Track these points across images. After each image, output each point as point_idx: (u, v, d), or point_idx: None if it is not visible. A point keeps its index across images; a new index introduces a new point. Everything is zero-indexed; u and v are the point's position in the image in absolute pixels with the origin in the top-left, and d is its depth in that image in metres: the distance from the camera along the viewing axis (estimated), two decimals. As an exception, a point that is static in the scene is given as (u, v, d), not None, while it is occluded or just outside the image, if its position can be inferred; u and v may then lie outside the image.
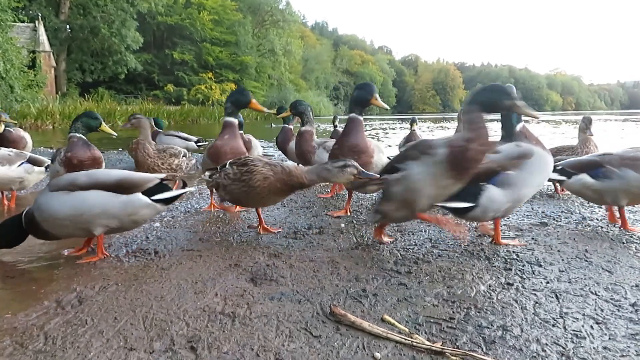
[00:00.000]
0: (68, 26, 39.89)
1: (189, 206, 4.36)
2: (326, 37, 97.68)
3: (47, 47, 35.19)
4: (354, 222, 3.73)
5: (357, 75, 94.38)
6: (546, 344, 1.79)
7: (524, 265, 2.68)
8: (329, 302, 2.16)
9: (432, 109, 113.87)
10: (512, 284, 2.40)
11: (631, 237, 3.25)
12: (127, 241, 3.19)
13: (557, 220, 3.75)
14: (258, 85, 55.20)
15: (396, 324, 1.95)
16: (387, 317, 2.00)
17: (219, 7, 50.77)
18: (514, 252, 2.93)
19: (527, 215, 3.94)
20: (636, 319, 1.99)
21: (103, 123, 4.04)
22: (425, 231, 3.43)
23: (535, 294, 2.27)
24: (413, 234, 3.37)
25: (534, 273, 2.56)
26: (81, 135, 3.91)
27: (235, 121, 4.04)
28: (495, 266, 2.68)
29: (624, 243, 3.11)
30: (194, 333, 1.87)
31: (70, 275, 2.53)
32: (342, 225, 3.61)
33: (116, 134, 4.23)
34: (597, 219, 3.79)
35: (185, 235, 3.33)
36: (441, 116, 57.41)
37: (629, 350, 1.74)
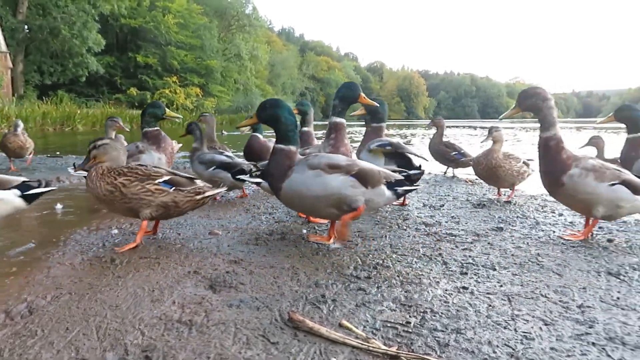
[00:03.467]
0: (26, 26, 38.58)
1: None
2: (293, 43, 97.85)
3: (4, 47, 33.99)
4: (316, 228, 3.74)
5: (323, 81, 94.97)
6: (497, 345, 1.84)
7: (479, 269, 2.75)
8: (288, 308, 2.16)
9: (397, 116, 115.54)
10: (467, 288, 2.46)
11: (581, 241, 3.39)
12: (83, 249, 3.11)
13: (512, 225, 3.87)
14: (224, 90, 54.75)
15: (354, 329, 1.97)
16: (344, 323, 2.02)
17: (184, 11, 50.10)
18: (470, 256, 3.00)
19: (484, 221, 4.04)
20: (582, 320, 2.07)
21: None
22: (386, 237, 3.48)
23: (489, 297, 2.34)
24: (374, 239, 3.41)
25: (488, 277, 2.63)
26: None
27: (344, 122, 3.93)
28: (451, 270, 2.74)
29: (574, 247, 3.24)
30: (149, 342, 1.84)
31: (21, 285, 2.44)
32: (304, 231, 3.62)
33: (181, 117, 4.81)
34: (550, 224, 3.93)
35: (144, 242, 3.27)
36: (406, 123, 58.21)
37: (574, 350, 1.81)
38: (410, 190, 3.34)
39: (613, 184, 3.24)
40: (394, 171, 3.32)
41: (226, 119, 47.23)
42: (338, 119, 3.95)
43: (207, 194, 3.30)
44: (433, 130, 7.65)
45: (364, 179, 3.02)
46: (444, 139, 7.42)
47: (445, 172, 7.62)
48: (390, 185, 3.14)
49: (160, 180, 3.15)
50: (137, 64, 46.79)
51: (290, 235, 3.48)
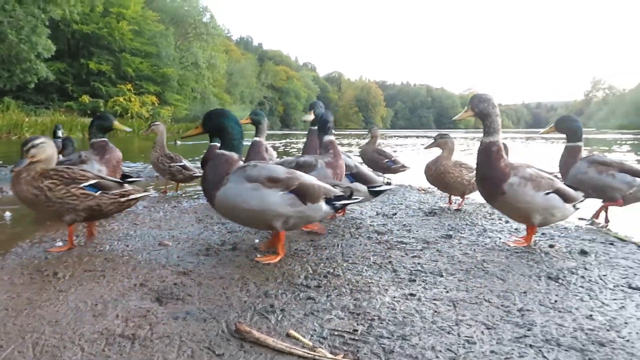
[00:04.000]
0: (-30, 30, 36.88)
1: (96, 224, 4.15)
2: (251, 52, 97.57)
3: (-55, 52, 32.32)
4: (269, 237, 3.73)
5: (282, 90, 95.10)
6: (440, 350, 1.89)
7: (427, 276, 2.81)
8: (236, 319, 2.15)
9: (355, 125, 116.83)
10: (415, 295, 2.51)
11: (524, 247, 3.52)
12: (23, 262, 2.99)
13: (461, 233, 3.97)
14: (180, 98, 53.92)
15: (301, 338, 1.97)
16: (292, 332, 2.02)
17: (139, 18, 49.10)
18: (419, 263, 3.06)
19: (434, 229, 4.14)
20: (521, 323, 2.15)
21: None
22: (338, 246, 3.50)
23: (435, 304, 2.39)
24: (326, 248, 3.43)
25: (435, 283, 2.69)
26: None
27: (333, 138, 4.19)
28: (400, 278, 2.79)
29: (517, 253, 3.36)
30: (88, 358, 1.78)
31: (-47, 302, 2.32)
32: (257, 241, 3.60)
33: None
34: (497, 231, 4.06)
35: (89, 255, 3.17)
36: (364, 132, 58.95)
37: (513, 353, 1.88)
38: (348, 204, 3.34)
39: (548, 193, 3.37)
40: (334, 185, 3.26)
41: (183, 128, 46.49)
42: (332, 137, 4.20)
43: (131, 197, 3.37)
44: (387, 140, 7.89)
45: (304, 195, 2.98)
46: (376, 147, 7.70)
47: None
48: (329, 200, 3.11)
49: (86, 183, 3.13)
50: (90, 70, 45.45)
51: (242, 245, 3.45)
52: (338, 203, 3.15)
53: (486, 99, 3.51)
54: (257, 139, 5.00)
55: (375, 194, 4.30)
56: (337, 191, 3.18)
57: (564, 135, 4.49)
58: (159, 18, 52.20)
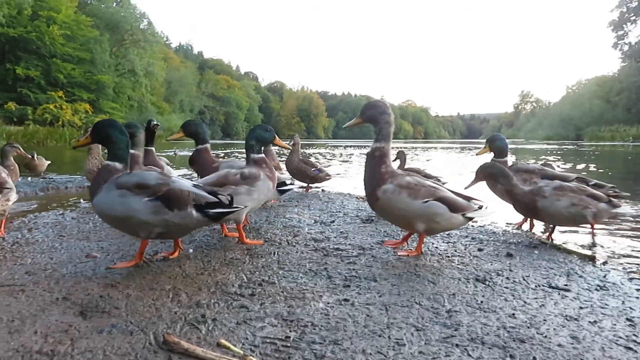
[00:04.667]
0: None
1: (19, 236, 3.92)
2: (191, 60, 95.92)
3: None
4: (204, 247, 3.66)
5: (223, 99, 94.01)
6: (370, 353, 1.91)
7: (361, 282, 2.85)
8: (164, 330, 2.08)
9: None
10: (349, 300, 2.53)
11: (455, 251, 3.65)
12: None
13: (396, 239, 4.06)
14: (116, 107, 52.13)
15: (231, 347, 1.94)
16: (223, 342, 1.98)
17: (71, 22, 47.11)
18: (354, 269, 3.10)
19: (370, 235, 4.20)
20: (449, 324, 2.22)
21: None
22: (274, 254, 3.48)
23: (368, 308, 2.42)
24: (262, 257, 3.40)
25: (369, 288, 2.73)
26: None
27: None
28: (335, 284, 2.81)
29: (448, 257, 3.47)
30: (0, 377, 1.67)
31: None
32: (191, 250, 3.52)
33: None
34: (430, 236, 4.18)
35: (9, 269, 2.98)
36: (306, 142, 59.24)
37: (440, 352, 1.93)
38: (227, 213, 3.12)
39: (426, 201, 3.34)
40: (211, 192, 3.10)
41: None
42: (260, 155, 3.97)
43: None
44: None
45: (171, 201, 2.91)
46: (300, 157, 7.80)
47: (306, 189, 7.82)
48: (201, 207, 3.00)
49: None
50: (17, 76, 43.11)
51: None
52: (212, 211, 3.02)
53: (374, 106, 3.53)
54: (132, 151, 4.62)
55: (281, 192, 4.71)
56: (211, 198, 3.04)
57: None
58: (93, 23, 50.29)
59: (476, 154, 5.16)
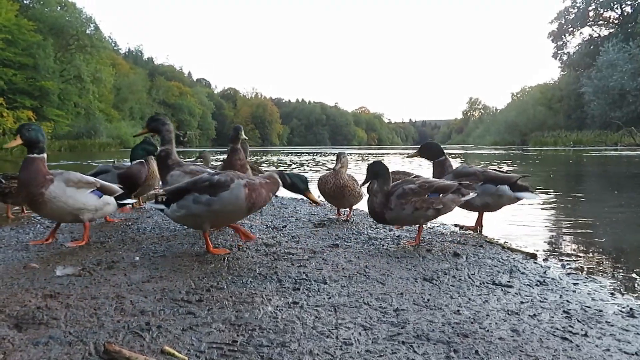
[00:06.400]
0: None
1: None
2: (141, 66, 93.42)
3: None
4: (151, 254, 3.56)
5: (175, 107, 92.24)
6: (317, 354, 1.91)
7: (311, 284, 2.85)
8: (106, 339, 2.01)
9: (252, 143, 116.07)
10: (298, 302, 2.52)
11: (404, 252, 3.71)
12: None
13: (347, 242, 4.09)
14: (62, 114, 50.12)
15: (176, 353, 1.89)
16: (167, 348, 1.93)
17: (12, 26, 44.89)
18: (304, 272, 3.10)
19: (322, 239, 4.22)
20: (396, 322, 2.25)
21: None
22: (224, 259, 3.43)
23: (317, 310, 2.42)
24: (211, 262, 3.34)
25: (319, 291, 2.74)
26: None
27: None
28: (285, 287, 2.80)
29: (398, 258, 3.53)
30: None
31: None
32: (137, 258, 3.42)
33: None
34: (381, 238, 4.24)
35: (-64, 283, 2.80)
36: (261, 150, 58.94)
37: (386, 350, 1.96)
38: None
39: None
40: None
41: (65, 145, 43.30)
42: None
43: None
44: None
45: None
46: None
47: None
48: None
49: None
50: (-48, 82, 40.76)
51: (121, 264, 3.25)
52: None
53: (156, 120, 4.36)
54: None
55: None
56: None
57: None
58: (36, 27, 48.19)
59: (407, 156, 5.59)
